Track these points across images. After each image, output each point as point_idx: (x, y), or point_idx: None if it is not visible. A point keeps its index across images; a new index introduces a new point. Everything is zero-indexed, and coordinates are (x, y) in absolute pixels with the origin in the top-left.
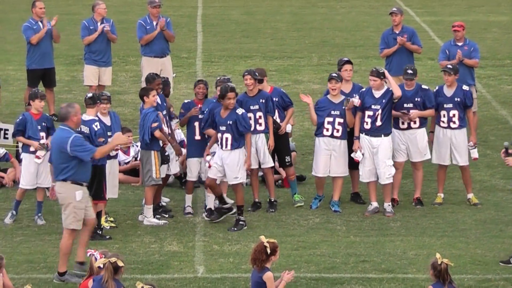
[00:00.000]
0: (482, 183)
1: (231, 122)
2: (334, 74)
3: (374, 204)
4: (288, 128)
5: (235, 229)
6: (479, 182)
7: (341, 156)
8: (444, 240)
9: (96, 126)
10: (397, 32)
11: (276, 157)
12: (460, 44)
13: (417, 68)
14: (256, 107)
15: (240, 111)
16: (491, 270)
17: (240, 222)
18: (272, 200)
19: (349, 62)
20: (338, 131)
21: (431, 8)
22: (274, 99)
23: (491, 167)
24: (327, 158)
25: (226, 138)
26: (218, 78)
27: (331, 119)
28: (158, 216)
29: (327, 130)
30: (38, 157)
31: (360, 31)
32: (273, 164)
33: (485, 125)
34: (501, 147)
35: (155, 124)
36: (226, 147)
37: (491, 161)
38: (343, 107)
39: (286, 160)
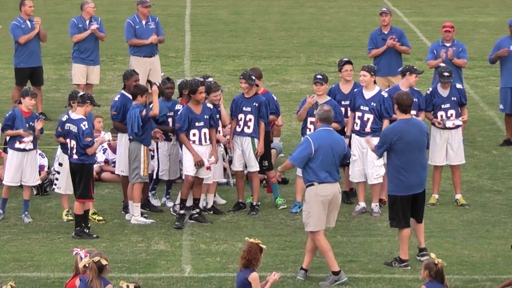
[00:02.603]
0: (469, 184)
1: (207, 116)
2: (319, 77)
3: (362, 204)
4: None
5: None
6: (466, 183)
7: None
8: (431, 240)
9: (84, 125)
10: (386, 32)
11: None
12: (448, 45)
13: None
14: (248, 109)
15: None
16: (478, 271)
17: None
18: (254, 204)
19: (349, 62)
20: None
21: (419, 8)
22: None
23: (478, 167)
24: None
25: (205, 133)
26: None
27: (313, 119)
28: (145, 215)
29: (309, 130)
30: (24, 142)
31: (348, 31)
32: (258, 168)
33: (473, 126)
34: (488, 148)
35: (144, 112)
36: (205, 142)
37: (479, 161)
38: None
39: (264, 164)
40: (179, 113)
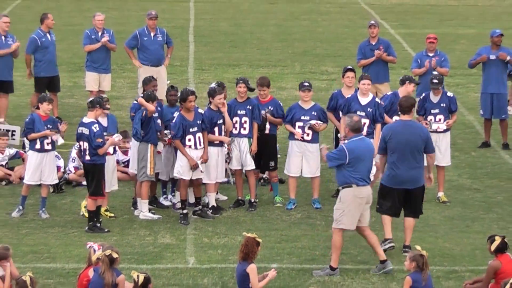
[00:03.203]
0: (450, 183)
1: (200, 121)
2: (306, 84)
3: None
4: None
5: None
6: (447, 182)
7: (313, 158)
8: (415, 234)
9: (95, 128)
10: (374, 43)
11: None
12: (431, 54)
13: (391, 77)
14: (243, 112)
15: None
16: (458, 262)
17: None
18: (252, 201)
19: (351, 69)
20: (308, 135)
21: (405, 21)
22: (269, 107)
23: (459, 167)
24: (299, 160)
25: (199, 137)
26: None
27: (301, 124)
28: (153, 211)
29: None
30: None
31: (339, 42)
32: (254, 167)
33: (454, 129)
34: (468, 150)
35: (144, 113)
36: (200, 145)
37: (459, 162)
38: (307, 124)
39: (270, 165)
40: (173, 121)
